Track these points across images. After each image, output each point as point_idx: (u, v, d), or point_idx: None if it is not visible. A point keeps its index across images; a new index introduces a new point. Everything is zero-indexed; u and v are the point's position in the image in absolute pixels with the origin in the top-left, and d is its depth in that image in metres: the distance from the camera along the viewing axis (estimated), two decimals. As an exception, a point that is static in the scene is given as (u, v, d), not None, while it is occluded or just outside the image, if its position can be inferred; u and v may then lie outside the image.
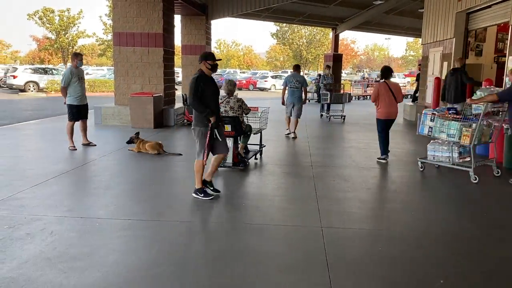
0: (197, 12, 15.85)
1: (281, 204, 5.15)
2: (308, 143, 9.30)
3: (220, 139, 5.18)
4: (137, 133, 8.08)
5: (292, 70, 10.53)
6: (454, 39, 11.21)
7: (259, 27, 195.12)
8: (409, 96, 25.21)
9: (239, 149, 6.97)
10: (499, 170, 6.54)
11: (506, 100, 6.16)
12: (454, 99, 9.29)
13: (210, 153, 5.27)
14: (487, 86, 7.53)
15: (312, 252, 3.76)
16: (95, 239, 3.95)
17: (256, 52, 71.69)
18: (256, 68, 62.51)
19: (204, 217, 4.62)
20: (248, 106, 7.00)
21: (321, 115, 14.61)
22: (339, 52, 24.40)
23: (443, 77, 11.63)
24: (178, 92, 14.43)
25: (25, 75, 25.69)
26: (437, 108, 7.05)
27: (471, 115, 6.42)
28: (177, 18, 16.68)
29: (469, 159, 6.49)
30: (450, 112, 6.58)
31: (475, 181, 6.13)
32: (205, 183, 5.29)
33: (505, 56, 9.71)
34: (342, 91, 18.41)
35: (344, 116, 13.69)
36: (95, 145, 8.16)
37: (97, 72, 37.08)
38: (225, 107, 6.70)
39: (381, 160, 7.47)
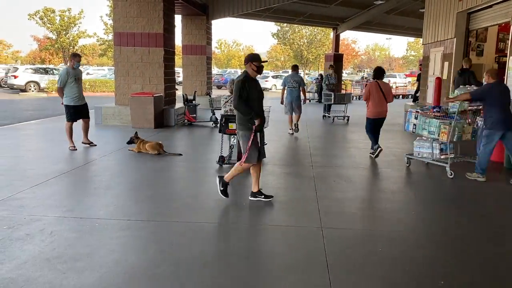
0: (197, 12, 15.85)
1: (282, 204, 5.14)
2: (309, 143, 9.29)
3: (266, 143, 4.98)
4: (136, 133, 8.07)
5: (291, 70, 10.86)
6: (455, 39, 11.20)
7: (260, 27, 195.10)
8: (410, 96, 25.21)
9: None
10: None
11: (478, 99, 6.31)
12: None
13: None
14: (466, 86, 7.83)
15: (312, 253, 3.75)
16: (95, 239, 3.94)
17: (257, 52, 71.71)
18: (256, 68, 62.42)
19: (204, 217, 4.61)
20: None
21: (324, 116, 14.25)
22: (340, 52, 24.38)
23: (444, 77, 11.62)
24: (179, 92, 14.43)
25: (26, 75, 25.72)
26: (424, 107, 7.28)
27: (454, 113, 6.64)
28: (178, 18, 16.69)
29: (452, 155, 6.79)
30: (434, 110, 6.81)
31: (451, 176, 6.40)
32: (255, 194, 5.20)
33: (506, 56, 9.69)
34: (344, 91, 18.35)
35: (348, 117, 13.35)
36: (95, 145, 8.16)
37: (98, 72, 37.08)
38: (230, 106, 6.83)
39: (376, 152, 7.71)
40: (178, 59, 19.11)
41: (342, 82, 23.73)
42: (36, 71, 26.78)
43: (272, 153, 8.09)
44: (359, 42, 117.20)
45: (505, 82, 8.79)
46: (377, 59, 74.55)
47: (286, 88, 10.53)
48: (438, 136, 6.59)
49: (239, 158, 6.88)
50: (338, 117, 13.65)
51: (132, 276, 3.28)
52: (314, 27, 39.20)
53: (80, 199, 5.21)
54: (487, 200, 5.62)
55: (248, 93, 4.87)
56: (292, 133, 10.56)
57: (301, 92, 10.58)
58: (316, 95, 22.90)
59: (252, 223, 4.54)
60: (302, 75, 42.99)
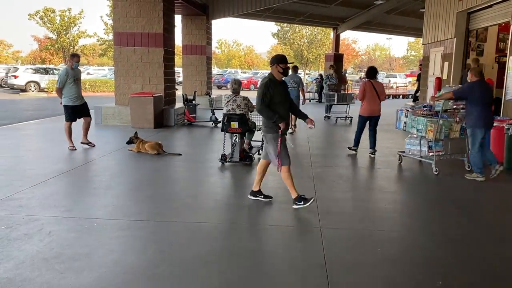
0: (197, 12, 15.84)
1: (281, 204, 5.13)
2: (309, 144, 9.28)
3: (292, 146, 4.87)
4: (135, 133, 8.07)
5: (291, 70, 10.88)
6: (455, 39, 11.19)
7: (260, 27, 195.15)
8: (410, 96, 25.20)
9: (244, 144, 7.25)
10: (470, 165, 6.63)
11: (460, 98, 6.45)
12: None
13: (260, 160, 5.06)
14: (451, 85, 8.15)
15: (311, 253, 3.75)
16: (93, 239, 3.94)
17: (257, 52, 71.70)
18: (257, 68, 62.47)
19: (203, 217, 4.60)
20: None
21: (325, 117, 13.97)
22: (340, 52, 24.37)
23: (444, 77, 11.61)
24: (179, 92, 14.42)
25: (26, 75, 25.72)
26: (415, 106, 7.47)
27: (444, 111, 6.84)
28: (178, 18, 16.68)
29: (443, 153, 7.06)
30: (425, 109, 6.97)
31: (436, 173, 6.59)
32: (254, 193, 5.16)
33: (506, 56, 9.69)
34: (346, 91, 18.22)
35: (351, 117, 12.89)
36: (94, 145, 8.13)
37: (98, 72, 37.10)
38: (232, 105, 6.97)
39: (352, 150, 8.15)
40: (178, 59, 19.12)
41: (348, 82, 23.80)
42: (36, 71, 26.78)
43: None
44: (360, 42, 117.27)
45: (505, 82, 8.79)
46: (377, 59, 74.49)
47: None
48: (425, 133, 6.74)
49: (241, 157, 7.08)
50: (341, 118, 13.45)
51: (131, 276, 3.28)
52: (314, 27, 39.17)
53: (79, 199, 5.21)
54: (487, 200, 5.61)
55: (271, 96, 4.72)
56: (291, 133, 10.55)
57: (300, 92, 10.69)
58: (316, 95, 22.89)
59: (252, 223, 4.53)
60: (302, 75, 42.99)
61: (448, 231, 4.39)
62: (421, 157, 7.02)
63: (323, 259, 3.60)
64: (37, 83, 25.42)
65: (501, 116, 8.66)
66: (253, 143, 7.82)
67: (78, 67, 8.15)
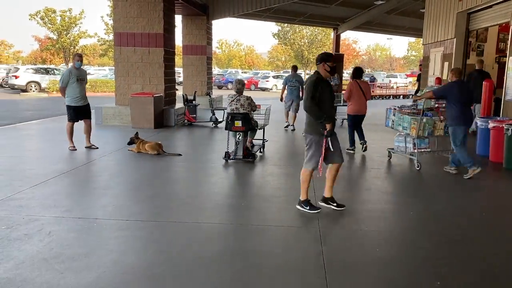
0: (198, 12, 15.85)
1: (280, 204, 5.14)
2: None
3: (332, 149, 4.68)
4: (136, 133, 8.07)
5: (291, 70, 11.59)
6: (455, 39, 11.20)
7: (260, 27, 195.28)
8: (410, 96, 25.18)
9: (247, 142, 7.41)
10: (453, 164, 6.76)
11: (440, 97, 6.66)
12: (479, 100, 9.87)
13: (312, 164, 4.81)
14: (433, 86, 8.52)
15: (310, 253, 3.75)
16: (93, 239, 3.95)
17: (258, 52, 71.74)
18: (257, 68, 62.51)
19: (202, 217, 4.61)
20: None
21: None
22: (340, 52, 24.37)
23: (444, 77, 11.61)
24: (179, 92, 14.43)
25: (27, 75, 25.73)
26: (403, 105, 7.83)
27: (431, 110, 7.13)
28: (178, 18, 16.69)
29: (429, 149, 7.26)
30: (412, 107, 7.31)
31: (418, 168, 6.88)
32: (326, 200, 4.93)
33: (506, 56, 9.70)
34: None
35: None
36: (97, 147, 8.10)
37: (99, 72, 37.11)
38: (236, 104, 7.21)
39: (349, 151, 8.24)
40: (179, 59, 19.14)
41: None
42: (37, 71, 26.79)
43: (272, 153, 8.10)
44: (360, 42, 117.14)
45: (505, 82, 8.80)
46: (378, 59, 74.47)
47: (287, 87, 11.08)
48: (410, 131, 7.05)
49: (244, 154, 7.23)
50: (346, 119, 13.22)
51: (131, 276, 3.28)
52: (314, 27, 39.20)
53: (79, 199, 5.22)
54: (486, 200, 5.61)
55: (320, 94, 4.56)
56: (287, 126, 11.33)
57: (300, 92, 10.99)
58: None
59: (252, 223, 4.54)
60: (302, 75, 43.02)
61: (447, 231, 4.39)
62: (411, 154, 7.21)
63: (321, 259, 3.61)
64: (38, 83, 25.43)
65: (500, 116, 8.67)
66: (254, 141, 7.98)
67: (82, 67, 8.11)
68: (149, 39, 11.40)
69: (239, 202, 5.20)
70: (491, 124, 7.43)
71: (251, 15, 19.77)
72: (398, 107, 7.58)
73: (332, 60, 4.70)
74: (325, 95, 4.62)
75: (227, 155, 7.24)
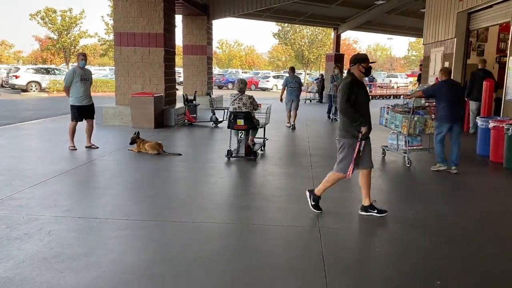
0: (198, 12, 15.85)
1: (280, 204, 5.14)
2: (309, 144, 9.29)
3: (360, 154, 4.55)
4: (137, 133, 8.07)
5: (289, 72, 12.07)
6: (456, 39, 11.19)
7: (261, 27, 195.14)
8: (401, 97, 25.14)
9: (248, 141, 7.54)
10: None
11: (429, 96, 6.91)
12: (480, 98, 10.11)
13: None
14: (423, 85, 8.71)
15: (310, 252, 3.75)
16: (93, 239, 3.95)
17: (258, 52, 71.73)
18: (258, 68, 62.51)
19: (202, 217, 4.61)
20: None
21: (331, 119, 13.63)
22: (341, 52, 24.36)
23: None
24: (179, 92, 14.44)
25: (27, 75, 25.75)
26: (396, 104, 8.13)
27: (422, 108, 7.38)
28: (178, 18, 16.70)
29: (421, 147, 7.58)
30: (404, 106, 7.53)
31: (408, 165, 7.11)
32: (366, 208, 4.74)
33: (506, 56, 9.69)
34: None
35: None
36: (97, 147, 8.10)
37: (99, 72, 37.12)
38: (238, 103, 7.32)
39: None
40: (179, 59, 19.14)
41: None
42: (38, 71, 26.81)
43: (272, 154, 8.11)
44: (361, 42, 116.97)
45: (505, 82, 8.79)
46: (378, 59, 74.40)
47: (287, 88, 11.48)
48: (401, 129, 7.27)
49: (246, 152, 7.35)
50: None
51: (131, 275, 3.28)
52: (315, 27, 39.18)
53: (79, 199, 5.22)
54: (486, 199, 5.61)
55: (355, 96, 4.43)
56: (289, 127, 11.48)
57: (300, 91, 11.58)
58: (317, 95, 22.89)
59: (251, 223, 4.54)
60: (303, 75, 43.02)
61: (446, 231, 4.39)
62: (404, 152, 7.36)
63: (321, 258, 3.61)
64: (38, 83, 25.45)
65: (501, 116, 8.67)
66: (255, 140, 8.09)
67: (86, 67, 8.11)
68: (149, 39, 11.40)
69: (239, 202, 5.20)
70: (491, 124, 7.42)
71: (251, 15, 19.76)
72: (391, 105, 7.80)
73: (368, 61, 4.59)
74: (360, 97, 4.49)
75: (229, 153, 7.38)
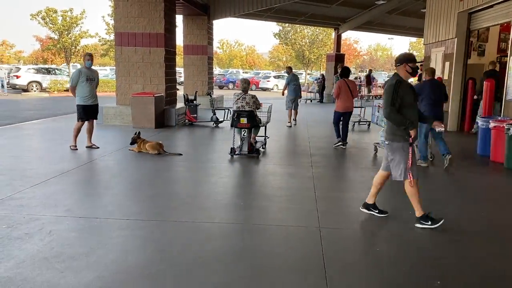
0: (199, 12, 15.86)
1: (281, 204, 5.14)
2: (309, 144, 9.29)
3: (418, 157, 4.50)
4: (138, 133, 8.07)
5: (289, 72, 12.49)
6: (456, 39, 11.18)
7: (261, 27, 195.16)
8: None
9: (251, 139, 7.67)
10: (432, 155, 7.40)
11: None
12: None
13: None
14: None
15: (310, 252, 3.75)
16: (93, 239, 3.95)
17: (259, 52, 71.69)
18: (258, 68, 62.47)
19: (202, 217, 4.61)
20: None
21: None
22: (341, 52, 24.35)
23: (445, 77, 11.60)
24: (180, 92, 14.45)
25: (28, 75, 25.78)
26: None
27: None
28: (179, 18, 16.71)
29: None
30: None
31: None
32: (368, 206, 4.72)
33: (507, 56, 9.69)
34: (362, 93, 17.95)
35: (369, 122, 11.53)
36: (98, 147, 8.10)
37: (100, 72, 37.01)
38: (242, 102, 7.53)
39: (340, 146, 8.72)
40: (180, 59, 19.14)
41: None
42: (38, 71, 26.84)
43: (272, 153, 8.11)
44: (361, 42, 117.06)
45: (506, 82, 8.79)
46: (379, 59, 74.38)
47: (289, 86, 11.99)
48: None
49: (249, 150, 7.53)
50: (360, 122, 12.26)
51: (131, 275, 3.29)
52: (315, 27, 39.16)
53: (79, 199, 5.23)
54: (487, 199, 5.60)
55: (402, 98, 4.23)
56: (290, 126, 11.80)
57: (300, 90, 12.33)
58: (317, 95, 22.88)
59: (252, 223, 4.54)
60: (303, 75, 43.04)
61: (446, 231, 4.38)
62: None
63: (321, 259, 3.61)
64: (39, 83, 25.47)
65: (501, 116, 8.67)
66: (257, 138, 8.22)
67: (92, 67, 8.14)
68: (150, 39, 11.41)
69: (239, 202, 5.21)
70: (491, 124, 7.42)
71: (252, 15, 19.76)
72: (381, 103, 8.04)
73: (414, 61, 4.37)
74: (407, 99, 4.27)
75: (232, 151, 7.52)
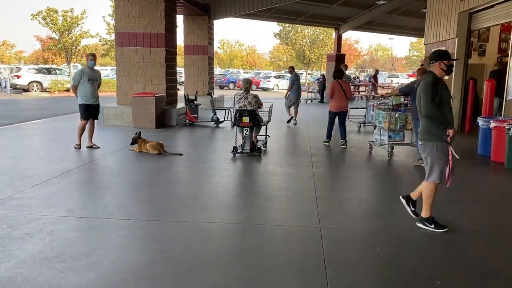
0: (199, 12, 15.86)
1: (281, 204, 5.15)
2: (310, 144, 9.29)
3: (458, 157, 4.20)
4: (139, 133, 8.08)
5: (291, 72, 12.68)
6: (457, 39, 11.17)
7: (262, 27, 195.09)
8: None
9: (252, 137, 7.77)
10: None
11: (405, 93, 7.36)
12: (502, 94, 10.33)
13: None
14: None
15: (310, 252, 3.76)
16: (94, 238, 3.96)
17: (259, 52, 71.69)
18: (259, 68, 62.48)
19: (203, 217, 4.62)
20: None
21: (358, 127, 12.36)
22: (342, 52, 24.34)
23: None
24: (180, 92, 14.45)
25: (29, 75, 25.82)
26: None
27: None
28: (180, 18, 16.71)
29: (404, 142, 8.00)
30: (386, 103, 8.06)
31: (388, 158, 7.57)
32: (408, 200, 4.61)
33: (508, 56, 9.68)
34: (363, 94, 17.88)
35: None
36: (98, 147, 8.11)
37: (101, 72, 37.11)
38: (244, 102, 7.62)
39: (325, 143, 9.05)
40: (180, 59, 19.15)
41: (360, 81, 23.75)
42: (39, 71, 26.88)
43: (272, 153, 8.11)
44: (362, 42, 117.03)
45: (506, 82, 8.79)
46: (379, 59, 74.37)
47: (293, 85, 12.27)
48: (383, 124, 7.79)
49: (251, 148, 7.66)
50: (365, 124, 11.84)
51: (131, 275, 3.29)
52: (316, 27, 39.16)
53: (80, 199, 5.23)
54: (487, 199, 5.60)
55: (440, 96, 4.06)
56: (291, 119, 12.23)
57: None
58: (318, 95, 22.87)
59: (251, 223, 4.54)
60: (304, 75, 43.02)
61: (447, 231, 4.38)
62: (380, 145, 7.90)
63: (322, 259, 3.61)
64: (40, 83, 25.51)
65: (502, 116, 8.67)
66: (258, 137, 8.32)
67: (95, 67, 8.16)
68: (150, 39, 11.42)
69: (240, 202, 5.21)
70: (492, 124, 7.42)
71: (252, 15, 19.76)
72: (377, 103, 8.35)
73: (449, 58, 4.17)
74: (444, 97, 4.10)
75: (234, 150, 7.64)
